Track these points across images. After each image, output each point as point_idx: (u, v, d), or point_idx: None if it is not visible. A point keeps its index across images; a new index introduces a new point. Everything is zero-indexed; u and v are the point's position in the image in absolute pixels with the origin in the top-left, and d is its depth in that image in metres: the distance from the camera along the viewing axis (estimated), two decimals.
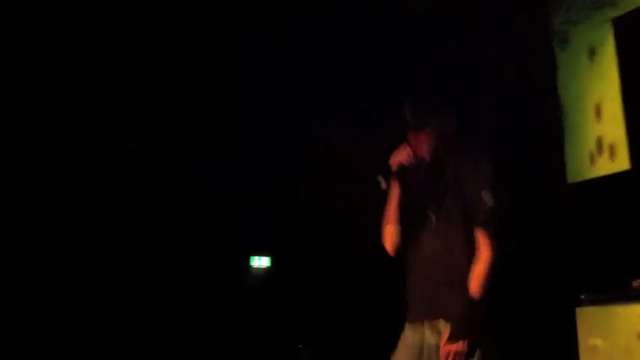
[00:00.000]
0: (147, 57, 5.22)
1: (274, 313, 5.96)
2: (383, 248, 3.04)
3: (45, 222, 5.10)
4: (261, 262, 6.37)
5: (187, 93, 5.53)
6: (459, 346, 2.67)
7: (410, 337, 2.91)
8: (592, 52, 4.73)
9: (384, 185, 2.91)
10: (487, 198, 2.75)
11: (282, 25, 5.19)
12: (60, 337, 5.01)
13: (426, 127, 2.91)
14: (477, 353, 2.71)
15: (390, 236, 2.99)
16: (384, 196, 2.98)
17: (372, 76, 4.92)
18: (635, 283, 4.11)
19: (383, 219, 3.02)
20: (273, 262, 6.39)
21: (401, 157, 2.91)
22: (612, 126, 4.61)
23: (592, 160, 4.84)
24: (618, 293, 4.23)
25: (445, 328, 2.75)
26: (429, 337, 2.83)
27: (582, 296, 4.43)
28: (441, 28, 4.75)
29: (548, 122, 4.92)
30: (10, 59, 4.73)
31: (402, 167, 2.90)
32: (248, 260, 6.34)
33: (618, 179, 4.56)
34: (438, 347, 2.76)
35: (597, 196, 4.71)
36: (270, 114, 5.51)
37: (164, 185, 5.64)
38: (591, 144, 4.83)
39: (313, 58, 5.24)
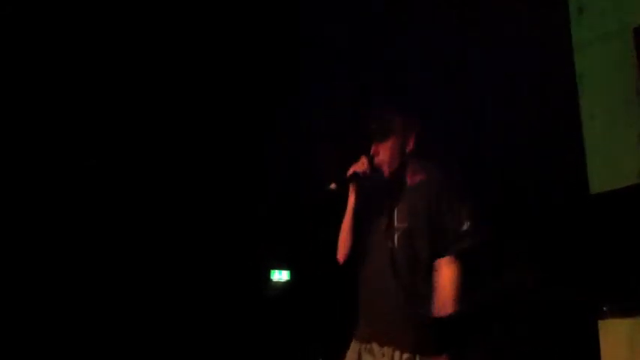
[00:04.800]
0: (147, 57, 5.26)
1: (294, 327, 5.92)
2: None
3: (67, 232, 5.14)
4: (280, 275, 6.36)
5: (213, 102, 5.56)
6: None
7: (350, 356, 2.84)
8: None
9: (332, 187, 2.83)
10: (463, 225, 2.71)
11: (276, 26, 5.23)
12: (75, 341, 5.03)
13: (387, 138, 2.88)
14: None
15: (342, 245, 2.91)
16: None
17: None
18: None
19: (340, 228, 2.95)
20: (292, 275, 6.37)
21: (357, 165, 2.87)
22: None
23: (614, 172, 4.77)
24: None
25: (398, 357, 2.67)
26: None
27: (605, 308, 4.33)
28: (458, 34, 4.74)
29: (569, 131, 4.86)
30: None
31: (356, 175, 2.86)
32: (268, 274, 6.33)
33: None
34: None
35: (620, 206, 4.63)
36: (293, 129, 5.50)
37: (185, 198, 5.64)
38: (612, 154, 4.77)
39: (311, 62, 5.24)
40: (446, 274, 2.67)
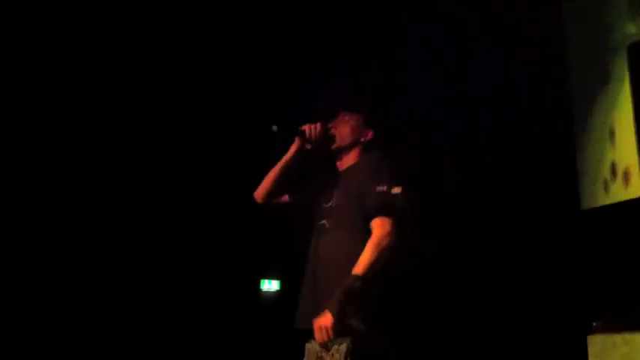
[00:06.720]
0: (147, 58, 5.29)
1: (284, 337, 5.87)
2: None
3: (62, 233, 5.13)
4: (270, 285, 6.32)
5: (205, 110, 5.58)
6: (325, 319, 2.50)
7: (310, 347, 2.81)
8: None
9: (274, 129, 2.91)
10: (382, 188, 2.69)
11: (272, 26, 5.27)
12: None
13: (351, 117, 2.96)
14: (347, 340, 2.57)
15: (265, 185, 2.99)
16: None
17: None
18: None
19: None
20: (282, 285, 6.33)
21: (310, 125, 2.91)
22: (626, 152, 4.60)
23: (606, 187, 4.81)
24: (631, 321, 4.15)
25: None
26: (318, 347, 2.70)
27: (594, 324, 4.34)
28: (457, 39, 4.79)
29: (561, 147, 4.91)
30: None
31: (303, 133, 2.90)
32: (258, 284, 6.28)
33: (632, 206, 4.52)
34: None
35: (611, 222, 4.67)
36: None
37: (175, 207, 5.62)
38: (605, 170, 4.81)
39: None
40: (374, 234, 2.63)
